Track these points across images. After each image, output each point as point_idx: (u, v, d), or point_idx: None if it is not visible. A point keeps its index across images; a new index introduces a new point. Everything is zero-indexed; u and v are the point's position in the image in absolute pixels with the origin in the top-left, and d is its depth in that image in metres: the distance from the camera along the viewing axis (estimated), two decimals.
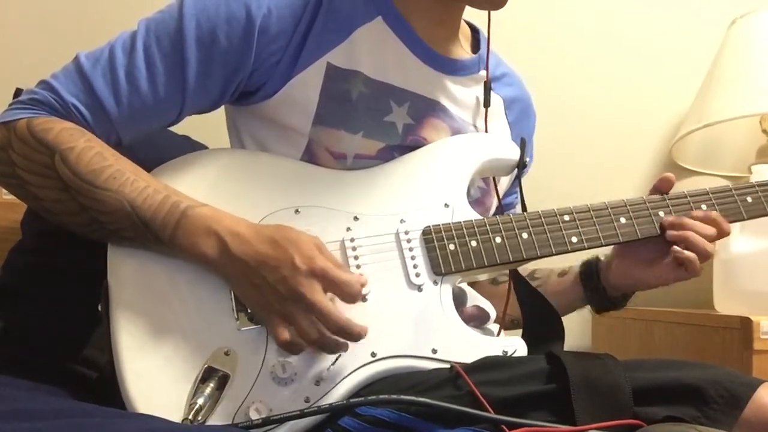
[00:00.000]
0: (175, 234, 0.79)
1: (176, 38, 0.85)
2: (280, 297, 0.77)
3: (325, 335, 0.77)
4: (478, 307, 1.00)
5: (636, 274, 0.96)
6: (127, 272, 0.81)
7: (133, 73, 0.84)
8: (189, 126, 0.98)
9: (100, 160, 0.80)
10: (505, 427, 0.71)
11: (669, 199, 0.95)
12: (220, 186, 0.86)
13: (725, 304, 1.36)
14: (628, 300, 1.02)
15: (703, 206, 0.95)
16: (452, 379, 0.78)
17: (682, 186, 1.69)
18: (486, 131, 1.01)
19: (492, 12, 0.99)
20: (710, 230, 0.92)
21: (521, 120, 1.10)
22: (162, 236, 0.79)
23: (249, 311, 0.81)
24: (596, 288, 1.01)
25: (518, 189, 1.10)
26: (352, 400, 0.77)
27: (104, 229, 0.80)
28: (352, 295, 0.78)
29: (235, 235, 0.79)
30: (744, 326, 1.17)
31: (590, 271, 1.02)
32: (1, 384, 0.76)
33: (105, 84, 0.83)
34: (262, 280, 0.77)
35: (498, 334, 0.96)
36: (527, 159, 0.99)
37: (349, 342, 0.79)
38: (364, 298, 0.83)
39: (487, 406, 0.73)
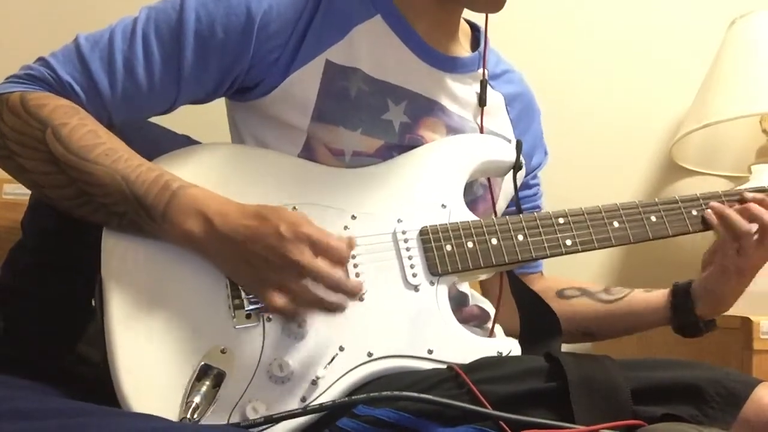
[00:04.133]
0: (166, 212, 0.79)
1: (175, 29, 0.86)
2: (271, 267, 0.77)
3: (321, 296, 0.78)
4: (478, 307, 1.00)
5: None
6: (120, 265, 0.81)
7: (130, 60, 0.85)
8: (190, 124, 0.99)
9: (93, 137, 0.81)
10: (506, 426, 0.71)
11: (660, 204, 0.96)
12: (215, 180, 0.85)
13: None
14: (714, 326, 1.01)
15: (694, 212, 0.96)
16: (450, 378, 0.78)
17: (682, 186, 1.72)
18: (482, 129, 1.00)
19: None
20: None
21: (524, 117, 1.10)
22: (154, 213, 0.79)
23: (246, 309, 0.80)
24: (686, 307, 0.99)
25: (529, 189, 1.10)
26: (355, 397, 0.76)
27: (94, 202, 0.80)
28: (340, 257, 0.78)
29: (220, 214, 0.79)
30: (744, 326, 1.17)
31: (681, 292, 1.00)
32: (1, 384, 0.76)
33: (102, 67, 0.84)
34: (251, 253, 0.77)
35: (490, 335, 0.96)
36: (523, 161, 0.99)
37: (345, 301, 0.79)
38: (360, 298, 0.83)
39: (487, 405, 0.73)
